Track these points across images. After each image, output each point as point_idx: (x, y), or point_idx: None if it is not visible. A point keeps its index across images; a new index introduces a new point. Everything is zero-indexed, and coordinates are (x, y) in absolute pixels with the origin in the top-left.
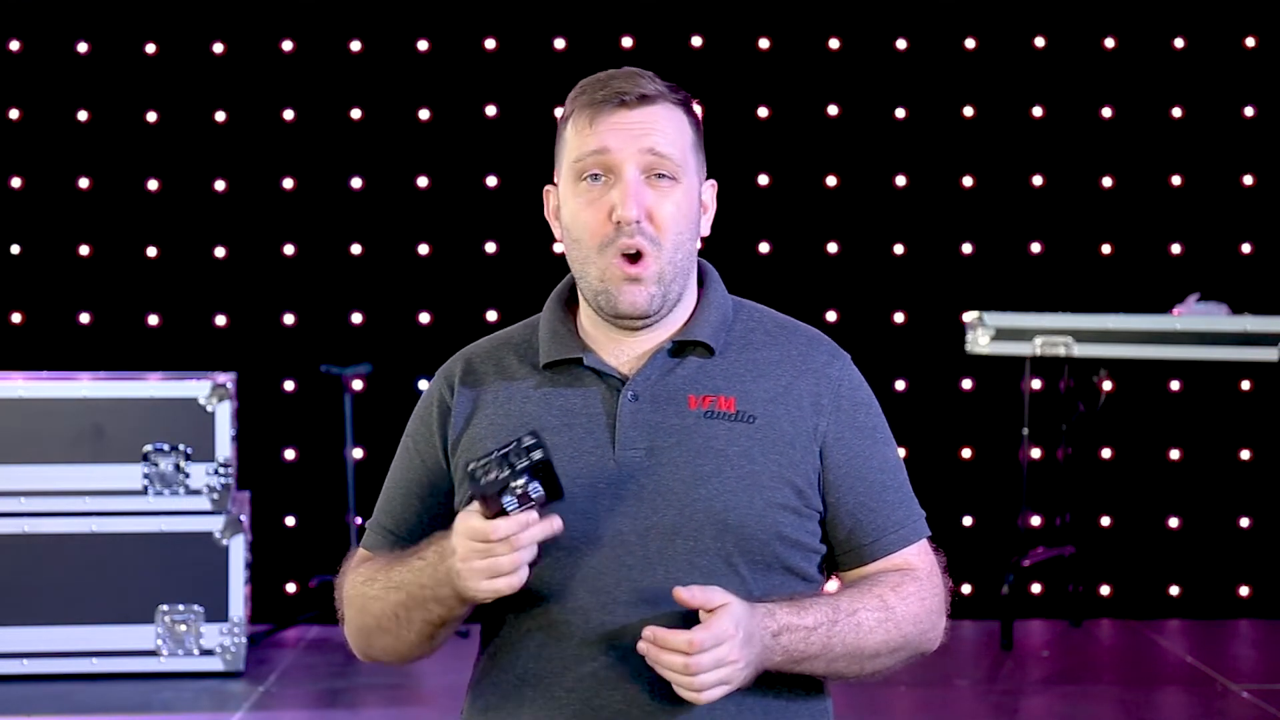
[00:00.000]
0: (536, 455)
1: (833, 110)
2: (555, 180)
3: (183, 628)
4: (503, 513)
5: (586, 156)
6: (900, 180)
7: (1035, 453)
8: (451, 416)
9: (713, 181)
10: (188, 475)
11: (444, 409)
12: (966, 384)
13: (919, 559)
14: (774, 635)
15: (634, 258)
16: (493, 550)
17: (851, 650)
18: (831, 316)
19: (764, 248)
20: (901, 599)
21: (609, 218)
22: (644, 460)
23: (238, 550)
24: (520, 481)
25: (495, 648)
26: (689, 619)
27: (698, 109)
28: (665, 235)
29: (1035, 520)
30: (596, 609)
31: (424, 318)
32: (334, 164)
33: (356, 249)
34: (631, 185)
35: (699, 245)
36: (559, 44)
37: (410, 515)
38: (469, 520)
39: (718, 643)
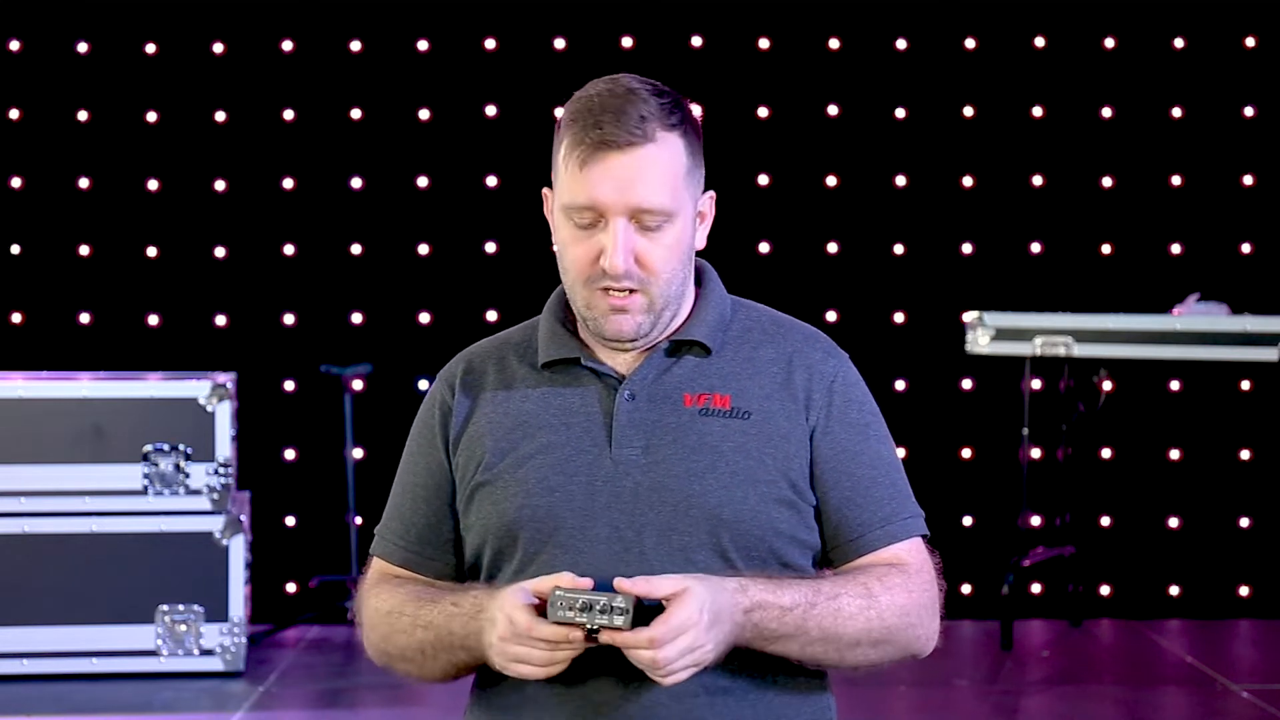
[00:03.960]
0: (619, 622)
1: (833, 110)
2: (553, 184)
3: (183, 628)
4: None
5: (577, 209)
6: (900, 180)
7: (1035, 453)
8: (453, 417)
9: (711, 193)
10: (188, 475)
11: (445, 410)
12: (966, 384)
13: (910, 555)
14: (745, 612)
15: (620, 294)
16: (530, 645)
17: (829, 634)
18: (831, 316)
19: (764, 248)
20: (886, 588)
21: (596, 260)
22: (640, 458)
23: (238, 550)
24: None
25: None
26: None
27: (695, 109)
28: (656, 276)
29: (1035, 520)
30: None
31: (424, 318)
32: (334, 164)
33: (356, 249)
34: (619, 238)
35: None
36: (559, 44)
37: (419, 520)
38: (519, 610)
39: (681, 632)
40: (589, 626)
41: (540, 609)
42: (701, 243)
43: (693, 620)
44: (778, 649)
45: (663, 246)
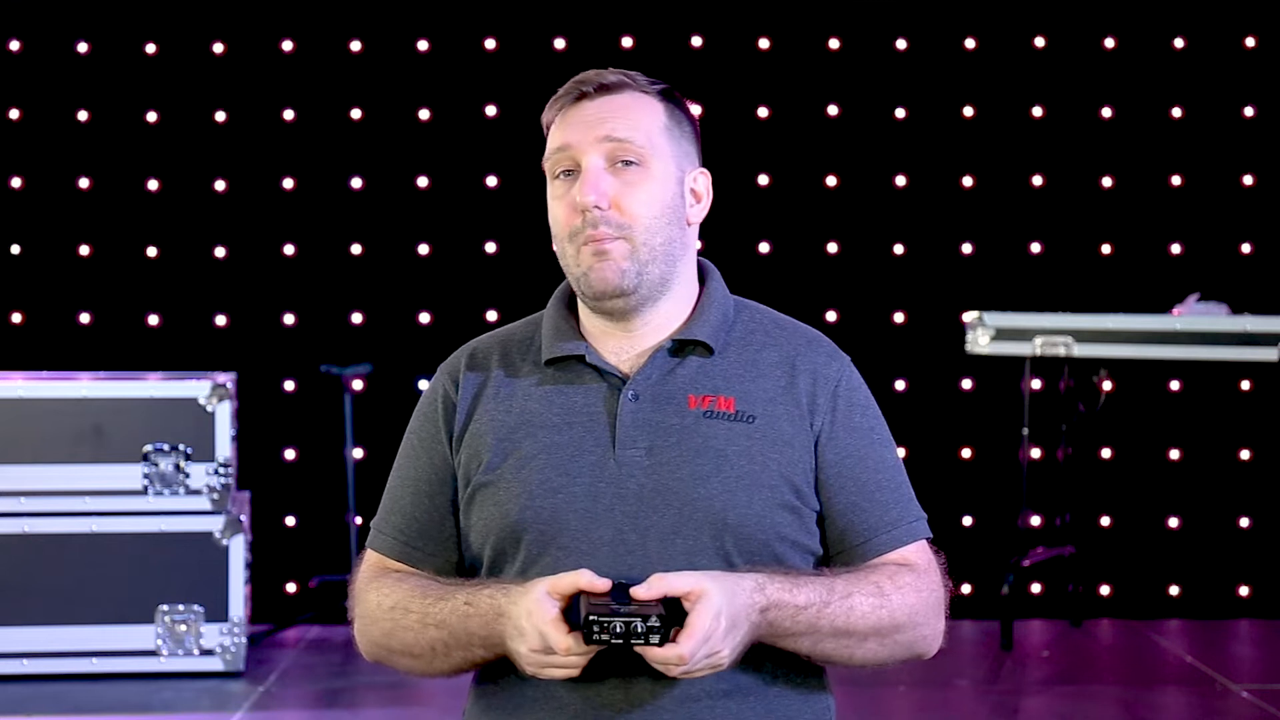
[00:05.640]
0: (654, 640)
1: (833, 110)
2: None
3: (183, 628)
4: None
5: (553, 154)
6: (900, 180)
7: (1035, 453)
8: (456, 412)
9: (704, 171)
10: (188, 475)
11: (449, 404)
12: (966, 384)
13: (917, 558)
14: (761, 611)
15: (600, 239)
16: (564, 661)
17: (841, 632)
18: (831, 316)
19: (764, 248)
20: (897, 587)
21: (575, 209)
22: (644, 460)
23: (238, 550)
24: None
25: None
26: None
27: (695, 109)
28: (635, 222)
29: (1035, 520)
30: None
31: (424, 318)
32: (334, 164)
33: (356, 249)
34: (590, 174)
35: (696, 239)
36: (559, 44)
37: (420, 513)
38: (551, 627)
39: (705, 641)
40: (628, 641)
41: (564, 610)
42: (696, 218)
43: (711, 629)
44: (789, 645)
45: (641, 190)
